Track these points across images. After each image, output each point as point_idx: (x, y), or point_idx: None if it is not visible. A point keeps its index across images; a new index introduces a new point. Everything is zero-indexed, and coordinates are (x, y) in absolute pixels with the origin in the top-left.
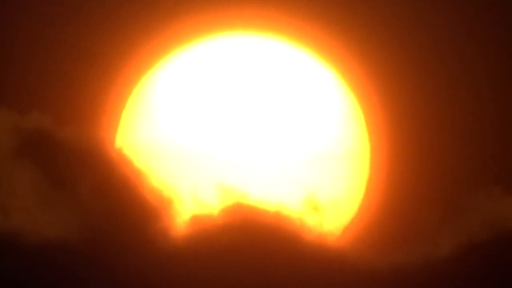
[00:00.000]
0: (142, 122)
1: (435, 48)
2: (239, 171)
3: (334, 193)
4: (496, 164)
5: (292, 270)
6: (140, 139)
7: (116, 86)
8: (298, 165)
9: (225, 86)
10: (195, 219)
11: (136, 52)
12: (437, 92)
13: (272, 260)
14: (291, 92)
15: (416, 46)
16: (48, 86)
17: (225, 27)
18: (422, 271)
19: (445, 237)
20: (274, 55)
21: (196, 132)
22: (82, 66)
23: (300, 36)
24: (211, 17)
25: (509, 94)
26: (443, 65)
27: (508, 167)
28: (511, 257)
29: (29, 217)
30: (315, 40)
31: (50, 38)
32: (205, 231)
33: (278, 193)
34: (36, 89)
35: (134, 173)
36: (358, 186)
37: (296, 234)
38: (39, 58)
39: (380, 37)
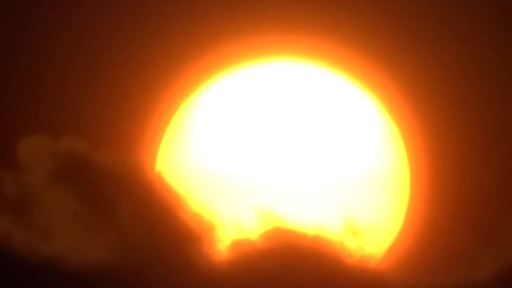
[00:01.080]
0: (182, 147)
1: (475, 70)
2: (278, 195)
3: (374, 217)
4: None
5: None
6: (181, 164)
7: (157, 111)
8: (337, 189)
9: (265, 111)
10: (235, 244)
11: (178, 76)
12: (477, 115)
13: (313, 284)
14: (330, 117)
15: (456, 68)
16: (88, 111)
17: (265, 53)
18: None
19: (485, 261)
20: (313, 81)
21: (235, 157)
22: (124, 90)
23: (339, 62)
24: (252, 43)
25: None
26: (484, 87)
27: None
28: None
29: (70, 242)
30: (354, 65)
31: (87, 61)
32: (246, 256)
33: (318, 217)
34: (75, 113)
35: (174, 197)
36: (398, 209)
37: (337, 257)
38: (77, 83)
39: (418, 61)
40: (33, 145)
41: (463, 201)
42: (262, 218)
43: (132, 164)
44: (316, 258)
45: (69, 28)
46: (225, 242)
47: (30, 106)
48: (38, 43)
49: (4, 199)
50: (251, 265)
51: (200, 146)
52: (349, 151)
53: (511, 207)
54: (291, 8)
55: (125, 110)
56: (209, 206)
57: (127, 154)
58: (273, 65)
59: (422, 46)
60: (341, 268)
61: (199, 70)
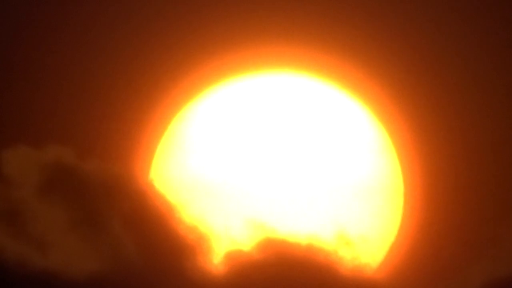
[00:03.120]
0: (176, 157)
1: (468, 78)
2: (271, 206)
3: (367, 227)
4: None
5: None
6: (174, 174)
7: (152, 120)
8: (330, 200)
9: (258, 121)
10: (229, 255)
11: (173, 85)
12: (471, 124)
13: None
14: (322, 127)
15: (449, 76)
16: (83, 120)
17: (259, 65)
18: None
19: (478, 271)
20: (305, 91)
21: (229, 167)
22: (119, 99)
23: (331, 72)
24: (246, 55)
25: None
26: (478, 95)
27: None
28: None
29: (62, 254)
30: (346, 75)
31: (80, 68)
32: (240, 267)
33: (310, 228)
34: (69, 123)
35: (167, 208)
36: (392, 219)
37: (331, 267)
38: (71, 90)
39: (411, 71)
40: (19, 156)
41: (457, 210)
42: (255, 229)
43: (125, 174)
44: (310, 268)
45: (60, 34)
46: (219, 253)
47: (15, 115)
48: (23, 49)
49: None
50: (245, 277)
51: (194, 157)
52: (342, 161)
53: (504, 218)
54: (285, 21)
55: (120, 119)
56: (203, 217)
57: (121, 163)
58: (266, 76)
59: (414, 55)
60: (336, 278)
61: (194, 80)
